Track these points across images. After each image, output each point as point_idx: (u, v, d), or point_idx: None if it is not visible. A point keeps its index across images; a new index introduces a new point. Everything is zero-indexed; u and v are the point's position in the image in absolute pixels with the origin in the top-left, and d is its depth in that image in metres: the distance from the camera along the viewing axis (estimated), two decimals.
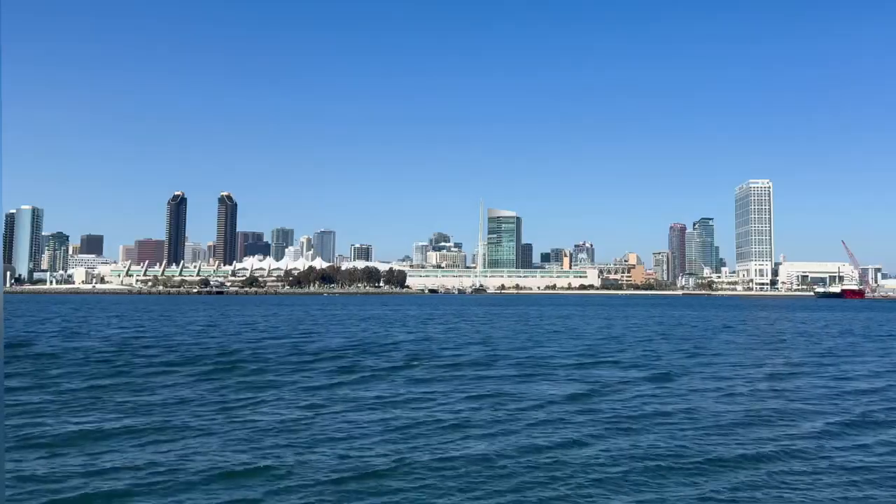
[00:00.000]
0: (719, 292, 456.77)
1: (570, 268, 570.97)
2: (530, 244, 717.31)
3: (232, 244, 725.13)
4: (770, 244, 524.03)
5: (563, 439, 19.23)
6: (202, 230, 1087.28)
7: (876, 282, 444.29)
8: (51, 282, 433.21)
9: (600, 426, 21.10)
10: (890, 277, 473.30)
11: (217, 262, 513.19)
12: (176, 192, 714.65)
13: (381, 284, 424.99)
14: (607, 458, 17.19)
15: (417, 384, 29.89)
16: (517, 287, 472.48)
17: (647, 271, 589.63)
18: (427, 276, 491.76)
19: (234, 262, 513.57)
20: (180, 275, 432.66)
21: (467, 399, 25.98)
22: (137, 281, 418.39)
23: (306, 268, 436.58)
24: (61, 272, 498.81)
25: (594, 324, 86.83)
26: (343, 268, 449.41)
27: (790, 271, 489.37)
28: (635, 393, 27.91)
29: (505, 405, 24.64)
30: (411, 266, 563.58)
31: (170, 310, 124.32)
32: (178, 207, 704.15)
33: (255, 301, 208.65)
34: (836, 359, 43.55)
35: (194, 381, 30.52)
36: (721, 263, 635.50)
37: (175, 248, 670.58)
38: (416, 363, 38.09)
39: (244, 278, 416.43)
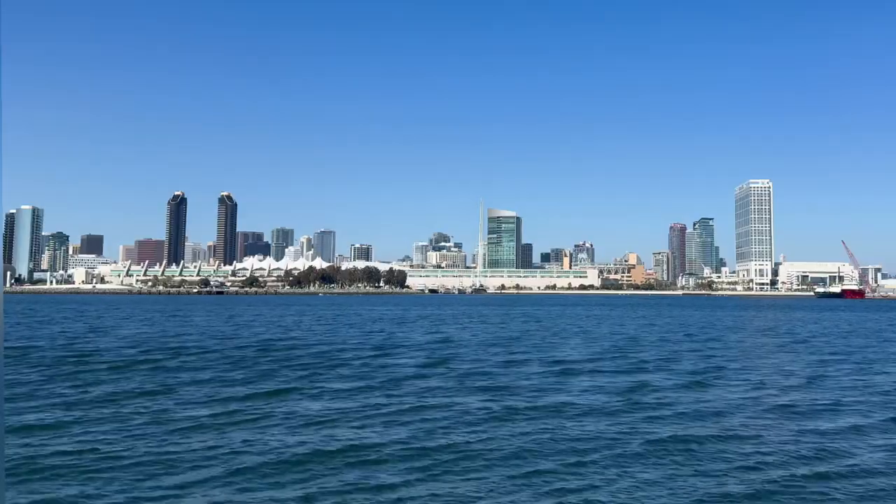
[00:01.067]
0: (719, 292, 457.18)
1: (570, 268, 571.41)
2: (530, 244, 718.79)
3: (232, 244, 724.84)
4: (770, 244, 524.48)
5: (621, 455, 17.90)
6: (202, 230, 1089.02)
7: (876, 282, 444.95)
8: (51, 282, 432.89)
9: (656, 436, 19.90)
10: (890, 277, 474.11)
11: (217, 262, 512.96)
12: (176, 192, 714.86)
13: (381, 284, 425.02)
14: (669, 477, 16.17)
15: (452, 387, 29.33)
16: (517, 287, 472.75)
17: (647, 271, 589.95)
18: (427, 276, 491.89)
19: (234, 262, 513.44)
20: (180, 275, 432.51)
21: (508, 404, 25.02)
22: (137, 281, 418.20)
23: (306, 268, 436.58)
24: (61, 272, 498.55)
25: (608, 323, 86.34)
26: (343, 268, 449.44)
27: (790, 271, 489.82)
28: (684, 399, 26.59)
29: (547, 412, 23.74)
30: (411, 266, 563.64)
31: (179, 310, 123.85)
32: (178, 207, 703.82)
33: (258, 301, 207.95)
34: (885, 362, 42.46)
35: (240, 381, 30.40)
36: (721, 263, 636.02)
37: (175, 248, 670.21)
38: (444, 365, 37.56)
39: (244, 278, 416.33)
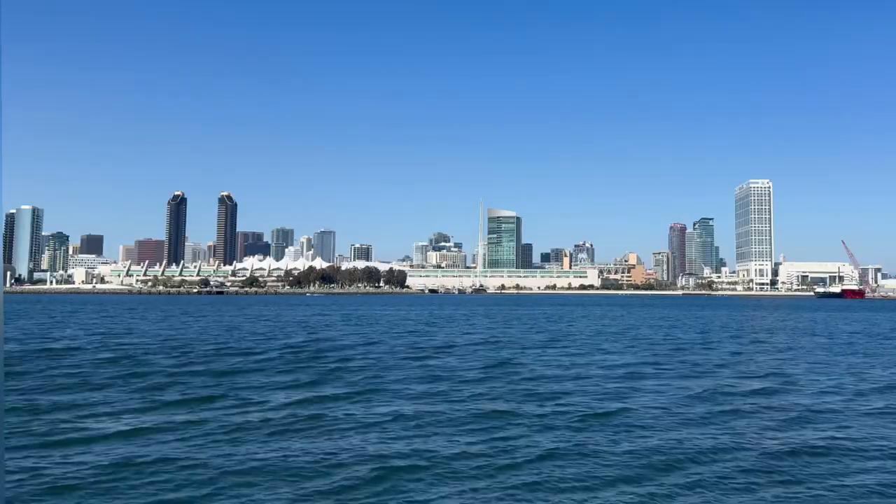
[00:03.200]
0: (719, 292, 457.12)
1: (570, 268, 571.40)
2: (530, 244, 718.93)
3: (232, 244, 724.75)
4: (770, 244, 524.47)
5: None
6: (202, 230, 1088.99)
7: (876, 282, 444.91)
8: (51, 282, 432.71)
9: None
10: (890, 277, 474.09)
11: (217, 262, 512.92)
12: (176, 192, 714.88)
13: (381, 284, 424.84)
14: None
15: (516, 396, 27.51)
16: (517, 287, 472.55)
17: (647, 271, 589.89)
18: (427, 276, 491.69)
19: (234, 262, 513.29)
20: (180, 275, 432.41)
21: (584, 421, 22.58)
22: (137, 281, 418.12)
23: (306, 268, 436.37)
24: (61, 272, 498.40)
25: (629, 324, 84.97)
26: (343, 268, 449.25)
27: (790, 271, 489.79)
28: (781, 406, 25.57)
29: (633, 427, 21.55)
30: (411, 266, 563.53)
31: (189, 310, 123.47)
32: (178, 207, 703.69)
33: (261, 301, 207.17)
34: None
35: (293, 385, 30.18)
36: (721, 263, 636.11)
37: (175, 248, 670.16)
38: (496, 371, 35.54)
39: (244, 278, 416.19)
